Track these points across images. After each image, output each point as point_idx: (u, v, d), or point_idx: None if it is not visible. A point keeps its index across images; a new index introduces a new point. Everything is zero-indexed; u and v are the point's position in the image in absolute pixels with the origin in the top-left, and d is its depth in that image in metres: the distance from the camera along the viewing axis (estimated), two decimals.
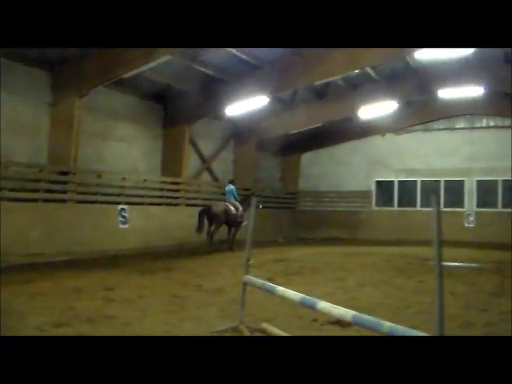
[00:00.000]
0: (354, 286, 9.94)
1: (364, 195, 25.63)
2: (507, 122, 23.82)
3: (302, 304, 5.00)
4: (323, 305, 4.57)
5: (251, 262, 6.40)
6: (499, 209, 23.58)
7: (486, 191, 24.08)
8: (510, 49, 16.49)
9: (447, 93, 20.50)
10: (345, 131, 24.86)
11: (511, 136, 23.33)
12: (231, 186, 17.69)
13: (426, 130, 25.12)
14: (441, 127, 24.98)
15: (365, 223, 24.72)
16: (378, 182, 25.74)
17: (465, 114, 24.36)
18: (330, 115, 21.83)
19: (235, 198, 17.51)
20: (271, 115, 21.78)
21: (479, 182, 24.16)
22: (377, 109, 21.62)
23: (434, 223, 3.28)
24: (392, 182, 25.48)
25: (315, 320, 6.65)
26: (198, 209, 16.43)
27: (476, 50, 15.85)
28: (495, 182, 23.81)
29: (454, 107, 23.33)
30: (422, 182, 24.94)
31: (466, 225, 23.88)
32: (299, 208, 25.91)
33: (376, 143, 25.68)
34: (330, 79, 18.67)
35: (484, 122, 24.41)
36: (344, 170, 25.80)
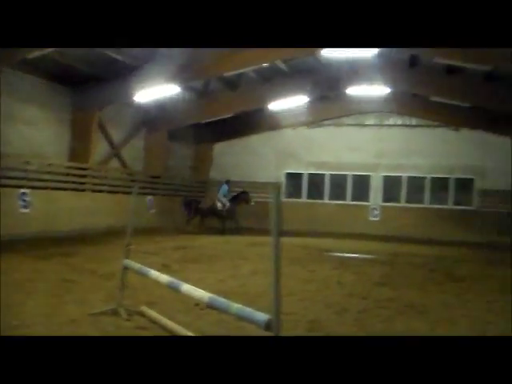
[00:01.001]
0: (247, 274, 10.16)
1: (274, 186, 25.90)
2: (414, 121, 24.78)
3: (169, 286, 5.20)
4: (186, 287, 4.77)
5: (132, 246, 6.50)
6: (403, 204, 24.50)
7: (391, 186, 24.96)
8: (415, 52, 17.19)
9: (355, 90, 21.10)
10: (257, 122, 25.06)
11: (417, 134, 24.46)
12: (225, 186, 21.10)
13: (337, 124, 25.65)
14: (351, 123, 25.59)
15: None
16: (288, 174, 26.11)
17: (374, 112, 25.08)
18: (242, 106, 22.03)
19: (225, 196, 20.85)
20: (183, 104, 21.80)
21: (385, 178, 25.02)
22: (288, 102, 21.98)
23: (273, 212, 3.45)
24: (302, 174, 25.93)
25: (197, 305, 6.80)
26: (105, 195, 16.35)
27: (383, 51, 16.44)
28: (400, 178, 24.74)
29: (364, 104, 23.97)
30: (331, 175, 25.54)
31: (371, 218, 24.67)
32: (209, 197, 25.94)
33: (287, 136, 26.01)
34: (240, 71, 18.89)
35: (392, 120, 25.22)
36: (255, 161, 26.01)
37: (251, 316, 3.69)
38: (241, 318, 3.87)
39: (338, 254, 14.45)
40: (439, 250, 17.11)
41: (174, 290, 5.13)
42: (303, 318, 6.56)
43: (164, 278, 5.40)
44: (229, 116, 23.45)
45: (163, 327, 5.76)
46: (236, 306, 3.90)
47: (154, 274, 5.63)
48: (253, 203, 21.55)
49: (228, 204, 21.01)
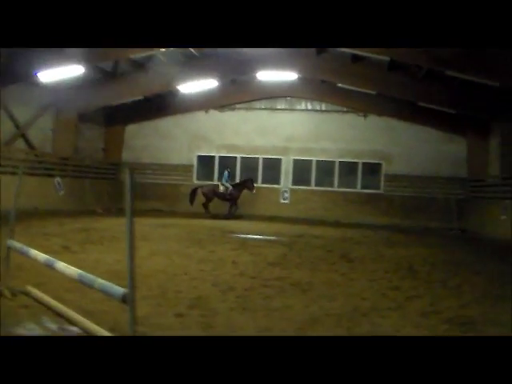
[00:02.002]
0: (145, 255, 10.19)
1: (186, 169, 26.01)
2: (324, 107, 25.35)
3: (45, 265, 5.28)
4: (59, 265, 4.88)
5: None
6: (312, 187, 25.09)
7: (301, 170, 25.48)
8: None
9: (265, 75, 21.41)
10: (169, 105, 24.95)
11: (326, 120, 25.07)
12: (226, 173, 22.87)
13: (249, 108, 25.92)
14: (262, 107, 25.91)
15: (185, 196, 25.04)
16: (200, 157, 26.21)
17: (285, 96, 25.50)
18: (152, 88, 21.95)
19: (227, 181, 22.53)
20: (93, 85, 21.43)
21: (295, 161, 25.52)
22: (198, 85, 22.04)
23: (127, 194, 3.56)
24: (213, 157, 26.07)
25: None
26: (8, 176, 16.00)
27: None
28: (310, 161, 25.31)
29: (276, 89, 24.41)
30: (242, 158, 25.81)
31: (282, 201, 25.15)
32: (121, 179, 25.68)
33: (199, 119, 26.07)
34: (147, 53, 18.82)
35: (303, 105, 25.71)
36: (167, 144, 25.95)
37: (110, 290, 3.84)
38: (102, 292, 4.00)
39: (242, 236, 14.69)
40: (343, 232, 17.67)
41: (49, 268, 5.19)
42: (188, 296, 6.70)
43: (42, 256, 5.46)
44: (139, 98, 23.27)
45: (46, 305, 5.80)
46: (99, 282, 4.06)
47: (33, 253, 5.66)
48: (254, 191, 22.67)
49: (230, 188, 22.50)
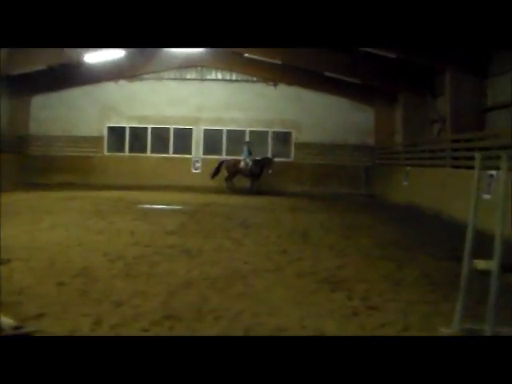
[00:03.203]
0: (45, 228, 10.20)
1: (96, 141, 25.59)
2: (234, 77, 25.50)
3: None
4: None
5: None
6: (223, 156, 25.24)
7: (212, 139, 25.61)
8: None
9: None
10: (76, 75, 24.16)
11: (237, 89, 25.24)
12: (245, 147, 22.81)
13: (159, 78, 25.71)
14: (172, 77, 25.78)
15: (97, 168, 24.87)
16: (110, 128, 25.83)
17: (195, 66, 25.46)
18: (55, 57, 21.33)
19: (247, 156, 22.48)
20: None
21: (206, 131, 25.60)
22: (103, 55, 21.66)
23: None
24: (124, 128, 25.76)
25: None
26: None
27: None
28: (220, 131, 25.47)
29: (185, 59, 24.35)
30: (153, 128, 25.68)
31: (193, 171, 25.25)
32: (30, 153, 25.09)
33: (109, 89, 25.60)
34: None
35: (213, 75, 25.75)
36: (76, 115, 25.31)
37: None
38: None
39: (146, 206, 14.77)
40: (250, 200, 18.02)
41: None
42: (76, 266, 6.80)
43: None
44: (43, 68, 22.61)
45: None
46: None
47: None
48: (270, 171, 22.27)
49: (250, 164, 22.35)
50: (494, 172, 12.51)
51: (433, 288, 6.19)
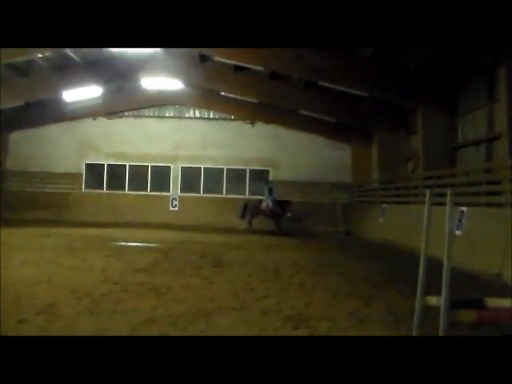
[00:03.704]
0: (15, 265, 10.11)
1: (74, 177, 25.60)
2: (211, 114, 25.76)
3: None
4: None
5: None
6: (201, 194, 25.36)
7: (189, 177, 25.73)
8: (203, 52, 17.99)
9: (150, 83, 21.60)
10: (54, 112, 24.40)
11: (214, 127, 25.48)
12: (265, 188, 22.47)
13: (137, 116, 25.96)
14: (151, 114, 26.03)
15: (74, 205, 24.83)
16: (88, 165, 25.89)
17: (173, 104, 25.72)
18: (33, 94, 21.46)
19: (268, 197, 22.01)
20: None
21: (184, 169, 25.74)
22: (82, 92, 21.82)
23: None
24: (102, 165, 25.84)
25: None
26: None
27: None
28: (198, 168, 25.61)
29: (163, 97, 24.61)
30: (131, 166, 25.76)
31: (171, 208, 25.30)
32: (6, 188, 24.98)
33: (87, 126, 25.76)
34: (27, 58, 18.47)
35: (191, 113, 26.03)
36: (54, 152, 25.41)
37: None
38: None
39: (121, 244, 14.73)
40: (227, 238, 18.02)
41: None
42: (42, 303, 6.76)
43: None
44: (22, 104, 22.70)
45: None
46: None
47: None
48: (289, 214, 21.91)
49: (271, 204, 21.82)
50: (464, 208, 12.70)
51: (397, 325, 6.21)
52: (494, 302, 4.13)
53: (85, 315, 6.19)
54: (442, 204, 13.78)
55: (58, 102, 23.26)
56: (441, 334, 3.85)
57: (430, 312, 4.51)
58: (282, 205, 22.01)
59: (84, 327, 5.60)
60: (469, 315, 3.85)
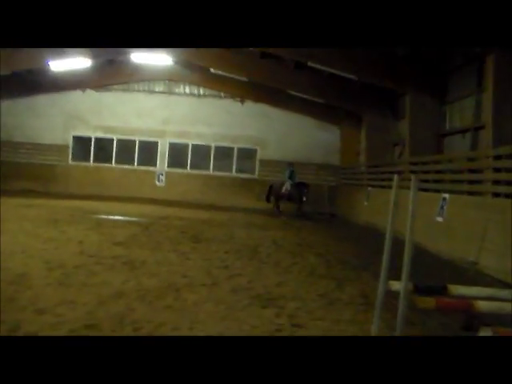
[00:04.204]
0: None
1: (61, 149, 25.46)
2: (201, 91, 25.63)
3: None
4: None
5: None
6: (188, 170, 25.33)
7: (177, 153, 25.66)
8: None
9: (140, 57, 21.51)
10: (43, 82, 24.12)
11: (204, 104, 25.38)
12: (287, 171, 21.48)
13: (126, 90, 25.74)
14: (140, 89, 25.83)
15: (60, 177, 24.72)
16: (76, 137, 25.74)
17: (164, 79, 25.54)
18: (19, 64, 21.12)
19: (289, 179, 21.04)
20: None
21: (172, 144, 25.64)
22: (71, 63, 21.56)
23: None
24: (89, 137, 25.69)
25: None
26: None
27: None
28: (186, 145, 25.52)
29: (154, 71, 24.43)
30: (119, 139, 25.64)
31: (158, 183, 25.25)
32: None
33: (75, 98, 25.51)
34: None
35: (181, 89, 25.85)
36: (42, 123, 25.18)
37: None
38: None
39: (102, 217, 14.70)
40: (211, 215, 18.02)
41: None
42: (14, 273, 6.76)
43: None
44: (8, 73, 22.39)
45: None
46: None
47: None
48: (304, 199, 20.77)
49: (289, 188, 20.81)
50: (447, 195, 12.75)
51: (366, 308, 6.24)
52: (456, 290, 4.15)
53: (54, 286, 6.19)
54: (427, 190, 14.02)
55: (46, 73, 22.98)
56: (399, 320, 3.87)
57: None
58: (300, 188, 21.17)
59: (51, 298, 5.61)
60: (428, 302, 3.87)
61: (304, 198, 20.73)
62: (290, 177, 21.34)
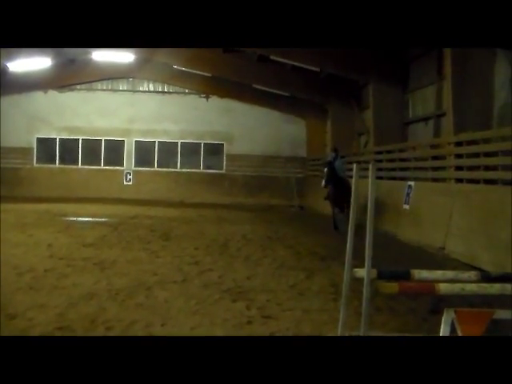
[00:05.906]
0: None
1: (25, 152, 25.13)
2: (166, 88, 25.59)
3: None
4: None
5: None
6: (156, 168, 25.27)
7: (144, 151, 25.56)
8: None
9: (101, 55, 21.36)
10: (3, 84, 23.57)
11: (169, 101, 25.32)
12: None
13: (89, 89, 25.53)
14: (104, 88, 25.64)
15: (25, 180, 24.38)
16: (40, 139, 25.42)
17: (127, 77, 25.41)
18: None
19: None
20: None
21: (138, 143, 25.53)
22: (30, 63, 21.24)
23: None
24: (54, 139, 25.39)
25: None
26: None
27: None
28: (153, 142, 25.44)
29: (116, 70, 24.23)
30: (84, 140, 25.41)
31: (125, 183, 25.14)
32: None
33: (38, 99, 25.13)
34: None
35: (145, 86, 25.77)
36: (4, 125, 24.51)
37: None
38: None
39: (70, 219, 14.62)
40: (181, 212, 18.03)
41: None
42: None
43: None
44: None
45: None
46: None
47: None
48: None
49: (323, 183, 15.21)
50: (412, 183, 12.96)
51: (335, 297, 6.34)
52: (420, 274, 4.25)
53: (24, 291, 6.19)
54: (395, 178, 14.21)
55: (5, 73, 22.53)
56: (365, 306, 3.97)
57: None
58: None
59: (21, 303, 5.62)
60: (391, 287, 3.96)
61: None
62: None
